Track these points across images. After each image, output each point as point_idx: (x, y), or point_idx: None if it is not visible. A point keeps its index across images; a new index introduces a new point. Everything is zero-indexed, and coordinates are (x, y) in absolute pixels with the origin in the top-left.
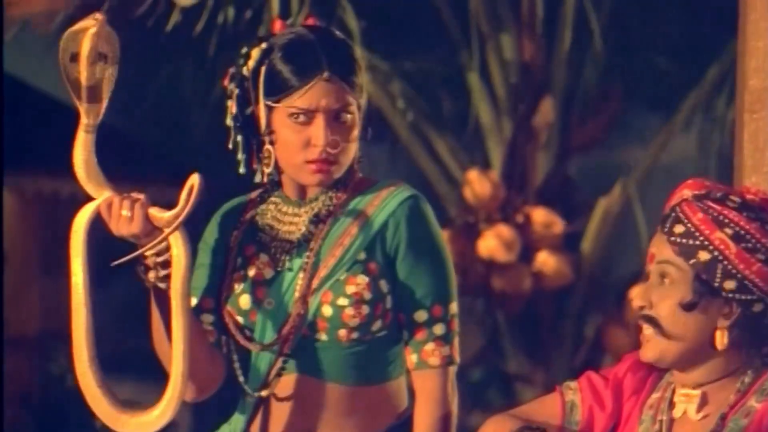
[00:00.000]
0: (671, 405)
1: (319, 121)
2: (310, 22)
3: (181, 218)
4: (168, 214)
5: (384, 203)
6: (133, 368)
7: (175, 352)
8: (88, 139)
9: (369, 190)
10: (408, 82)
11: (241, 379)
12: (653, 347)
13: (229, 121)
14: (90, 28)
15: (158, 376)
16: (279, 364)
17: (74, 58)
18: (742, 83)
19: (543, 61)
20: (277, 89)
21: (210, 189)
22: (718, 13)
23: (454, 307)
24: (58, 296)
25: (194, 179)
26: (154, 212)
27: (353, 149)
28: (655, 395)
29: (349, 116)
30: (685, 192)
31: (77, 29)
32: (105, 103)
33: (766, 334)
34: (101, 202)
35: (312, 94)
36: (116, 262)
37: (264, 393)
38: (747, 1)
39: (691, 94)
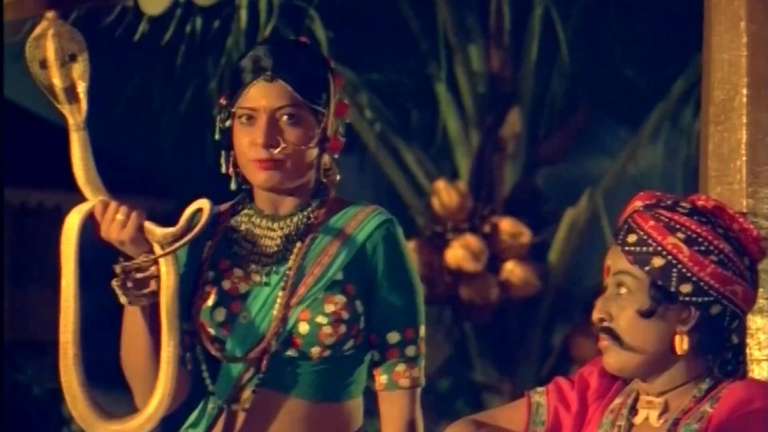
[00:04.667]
0: (633, 411)
1: (261, 120)
2: (302, 39)
3: (183, 242)
4: (162, 231)
5: (361, 225)
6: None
7: (163, 370)
8: (81, 137)
9: (344, 211)
10: (376, 93)
11: (211, 388)
12: (614, 359)
13: (217, 136)
14: (48, 30)
15: (108, 385)
16: (254, 379)
17: (43, 64)
18: (707, 95)
19: (510, 73)
20: (234, 93)
21: (179, 197)
22: (684, 26)
23: (422, 330)
24: (25, 306)
25: (203, 204)
26: (149, 225)
27: (307, 156)
28: (618, 400)
29: (295, 120)
30: (636, 204)
31: (37, 35)
32: (85, 98)
33: (726, 338)
34: (98, 202)
35: (254, 93)
36: (121, 266)
37: (234, 407)
38: (712, 14)
39: (657, 105)
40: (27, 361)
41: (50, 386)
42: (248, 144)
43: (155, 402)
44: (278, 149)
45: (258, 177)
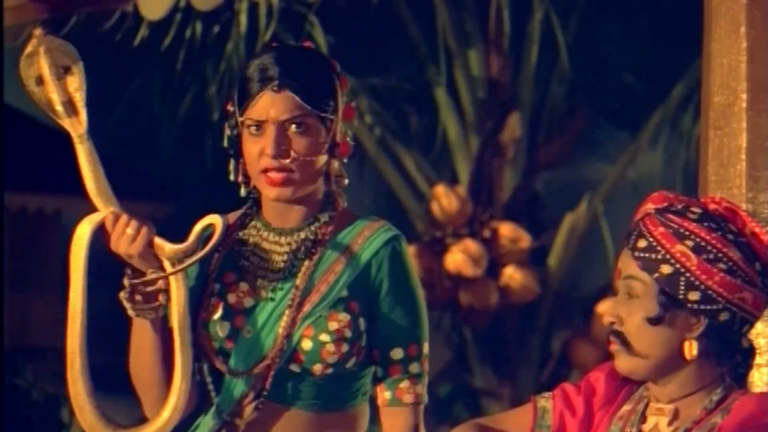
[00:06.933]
0: (642, 418)
1: (269, 130)
2: (306, 44)
3: (194, 260)
4: (172, 247)
5: (368, 242)
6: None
7: (176, 385)
8: (86, 149)
9: (352, 226)
10: (375, 97)
11: (216, 400)
12: (623, 362)
13: (225, 143)
14: (40, 47)
15: (115, 393)
16: (257, 395)
17: (39, 81)
18: (706, 100)
19: (510, 78)
20: (241, 103)
21: (179, 202)
22: (683, 31)
23: (426, 347)
24: (25, 311)
25: (215, 220)
26: (159, 241)
27: (317, 164)
28: (626, 407)
29: (304, 129)
30: (649, 206)
31: (29, 53)
32: (84, 110)
33: (737, 342)
34: (109, 213)
35: (262, 104)
36: (129, 281)
37: (237, 421)
38: (711, 20)
39: (657, 110)
40: (26, 366)
41: (50, 391)
42: (258, 155)
43: (167, 414)
44: (289, 160)
45: (270, 191)
